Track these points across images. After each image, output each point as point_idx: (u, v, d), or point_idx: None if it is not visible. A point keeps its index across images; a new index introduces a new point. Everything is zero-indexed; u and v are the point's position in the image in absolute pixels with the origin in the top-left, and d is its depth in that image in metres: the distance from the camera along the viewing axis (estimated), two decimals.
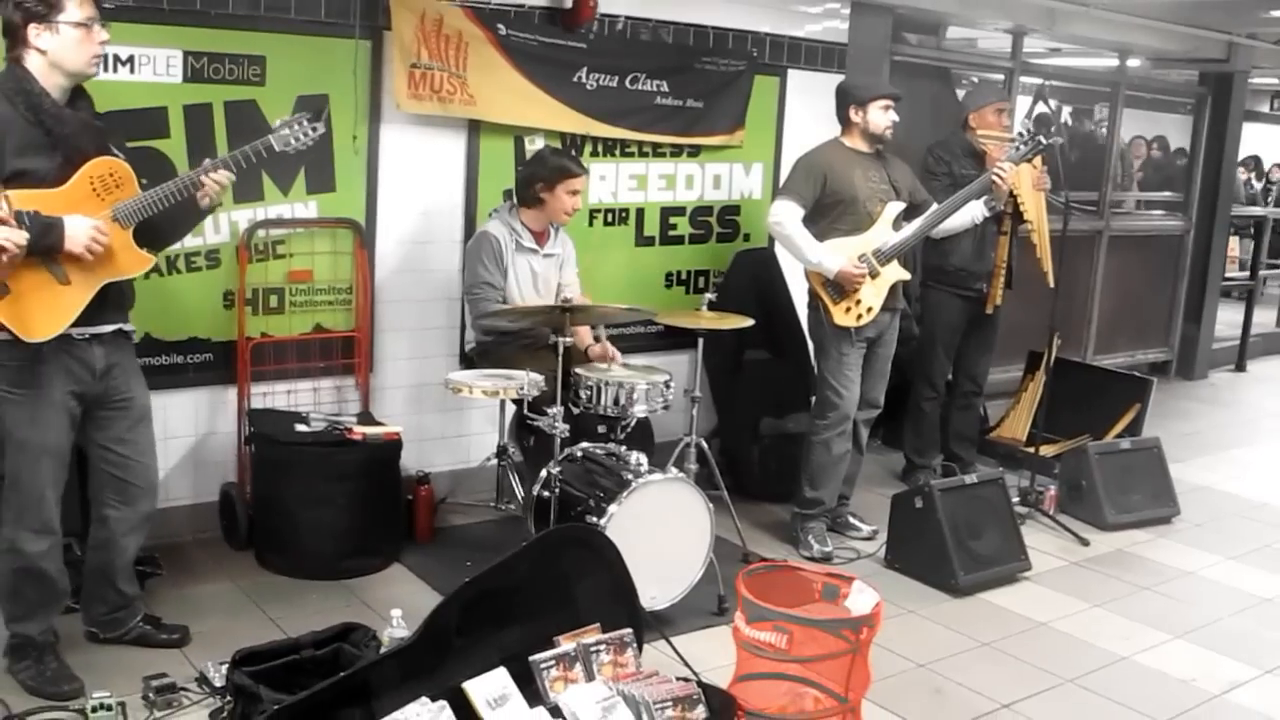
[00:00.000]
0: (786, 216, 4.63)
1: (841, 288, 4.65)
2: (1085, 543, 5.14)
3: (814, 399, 4.92)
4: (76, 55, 3.10)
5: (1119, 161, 8.52)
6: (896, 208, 4.74)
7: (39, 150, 3.07)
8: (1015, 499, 5.17)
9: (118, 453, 3.42)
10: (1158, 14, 7.28)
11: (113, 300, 3.26)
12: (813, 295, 4.78)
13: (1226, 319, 9.50)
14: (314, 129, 3.44)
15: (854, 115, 4.73)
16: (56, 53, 3.08)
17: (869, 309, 4.68)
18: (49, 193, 3.07)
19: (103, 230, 3.11)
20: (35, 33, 3.06)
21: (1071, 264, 7.63)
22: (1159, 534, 5.37)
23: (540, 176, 4.56)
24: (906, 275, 4.82)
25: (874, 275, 4.66)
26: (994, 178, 4.92)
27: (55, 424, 3.22)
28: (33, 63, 3.09)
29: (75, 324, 3.15)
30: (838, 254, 4.61)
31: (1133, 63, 8.12)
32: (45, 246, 3.01)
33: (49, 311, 3.09)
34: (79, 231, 3.05)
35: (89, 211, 3.11)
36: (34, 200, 3.02)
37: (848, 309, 4.67)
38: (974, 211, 5.04)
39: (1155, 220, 8.99)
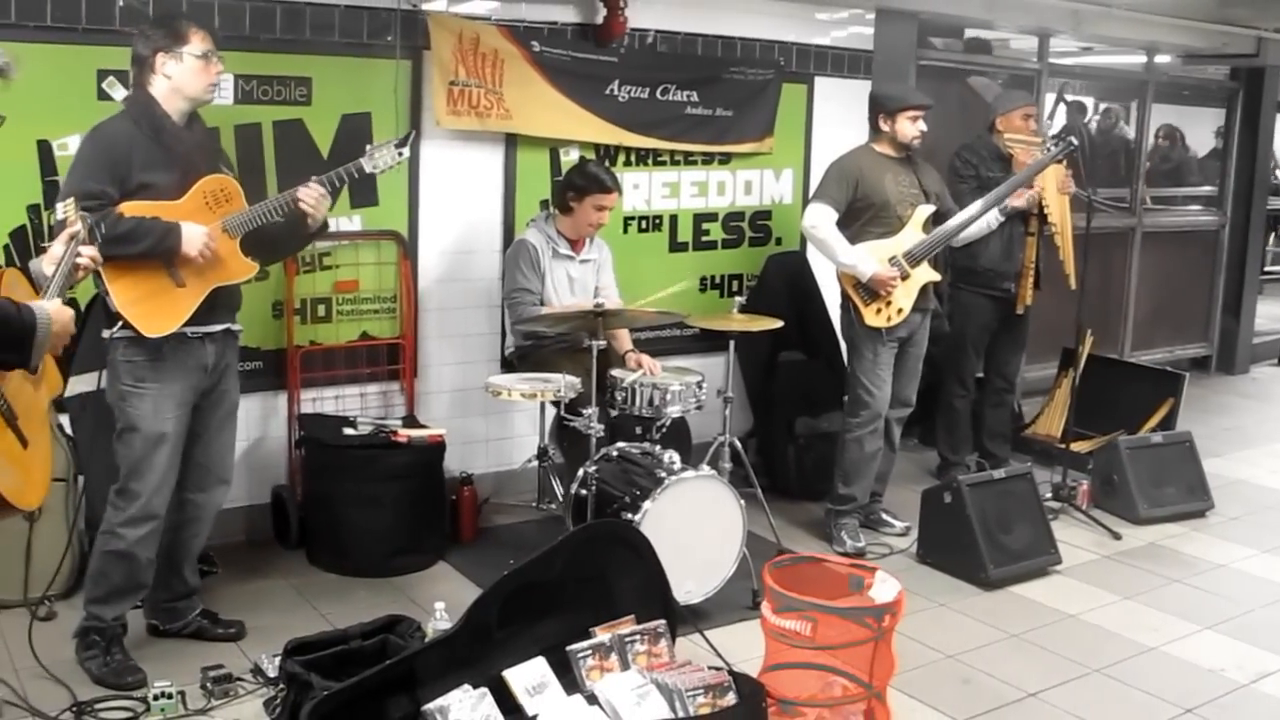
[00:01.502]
0: (821, 220, 4.70)
1: (873, 289, 4.74)
2: (1117, 536, 5.15)
3: (846, 398, 4.98)
4: (196, 83, 3.41)
5: (1123, 155, 8.45)
6: (926, 210, 4.80)
7: (160, 166, 3.37)
8: (1049, 495, 5.20)
9: (205, 440, 3.64)
10: (1181, 12, 7.23)
11: (222, 302, 3.53)
12: (845, 296, 4.84)
13: (1268, 313, 9.37)
14: (400, 153, 3.70)
15: (883, 124, 4.80)
16: (179, 80, 3.39)
17: (899, 310, 4.74)
18: (168, 204, 3.37)
19: (213, 238, 3.38)
20: (162, 62, 3.38)
21: (1106, 261, 7.58)
22: (1193, 527, 5.35)
23: (574, 185, 4.69)
24: (936, 276, 4.88)
25: (905, 277, 4.72)
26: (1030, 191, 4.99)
27: (174, 416, 3.47)
28: (158, 89, 3.40)
29: (189, 324, 3.42)
30: (871, 257, 4.70)
31: (1162, 59, 8.03)
32: (165, 249, 3.31)
33: (166, 311, 3.38)
34: (194, 237, 3.34)
35: (201, 222, 3.39)
36: (155, 210, 3.33)
37: (879, 310, 4.74)
38: (989, 219, 5.08)
39: (1190, 215, 8.90)
